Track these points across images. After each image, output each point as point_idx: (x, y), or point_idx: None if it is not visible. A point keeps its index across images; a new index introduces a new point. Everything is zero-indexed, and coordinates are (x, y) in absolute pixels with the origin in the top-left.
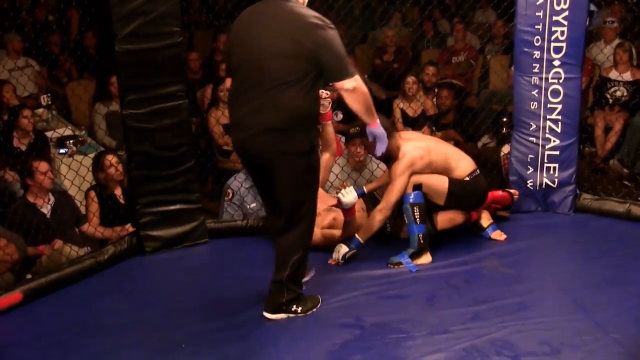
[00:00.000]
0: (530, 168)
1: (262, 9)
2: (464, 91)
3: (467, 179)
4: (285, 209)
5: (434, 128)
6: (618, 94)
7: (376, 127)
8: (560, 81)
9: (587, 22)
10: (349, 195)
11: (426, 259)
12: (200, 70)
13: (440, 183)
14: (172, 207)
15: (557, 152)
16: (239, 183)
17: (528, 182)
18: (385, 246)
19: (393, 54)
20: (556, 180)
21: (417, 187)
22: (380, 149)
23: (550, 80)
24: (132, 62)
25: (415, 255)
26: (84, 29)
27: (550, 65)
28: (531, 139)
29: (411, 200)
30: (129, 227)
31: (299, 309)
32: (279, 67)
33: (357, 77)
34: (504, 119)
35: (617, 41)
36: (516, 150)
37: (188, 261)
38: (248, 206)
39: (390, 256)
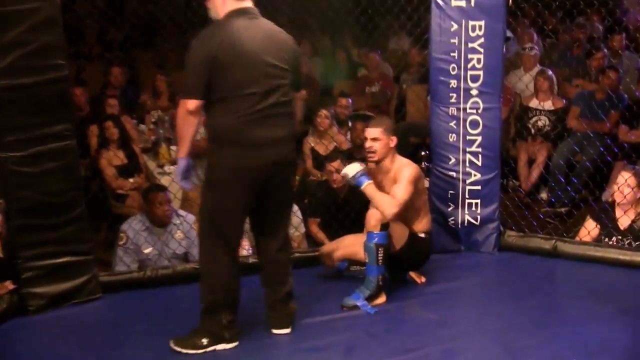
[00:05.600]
0: (451, 204)
1: (250, 25)
2: None
3: (423, 235)
4: (286, 220)
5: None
6: (540, 123)
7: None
8: (479, 111)
9: (504, 49)
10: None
11: (381, 299)
12: (87, 106)
13: (402, 231)
14: (59, 260)
15: (479, 187)
16: (130, 226)
17: (449, 219)
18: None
19: None
20: (479, 217)
21: (385, 226)
22: None
23: (468, 111)
24: (10, 99)
25: (372, 298)
26: None
27: (468, 95)
28: (451, 173)
29: (376, 241)
30: (9, 285)
31: None
32: (285, 79)
33: None
34: (422, 153)
35: (537, 68)
36: (435, 185)
37: (79, 320)
38: (143, 252)
39: (312, 303)
